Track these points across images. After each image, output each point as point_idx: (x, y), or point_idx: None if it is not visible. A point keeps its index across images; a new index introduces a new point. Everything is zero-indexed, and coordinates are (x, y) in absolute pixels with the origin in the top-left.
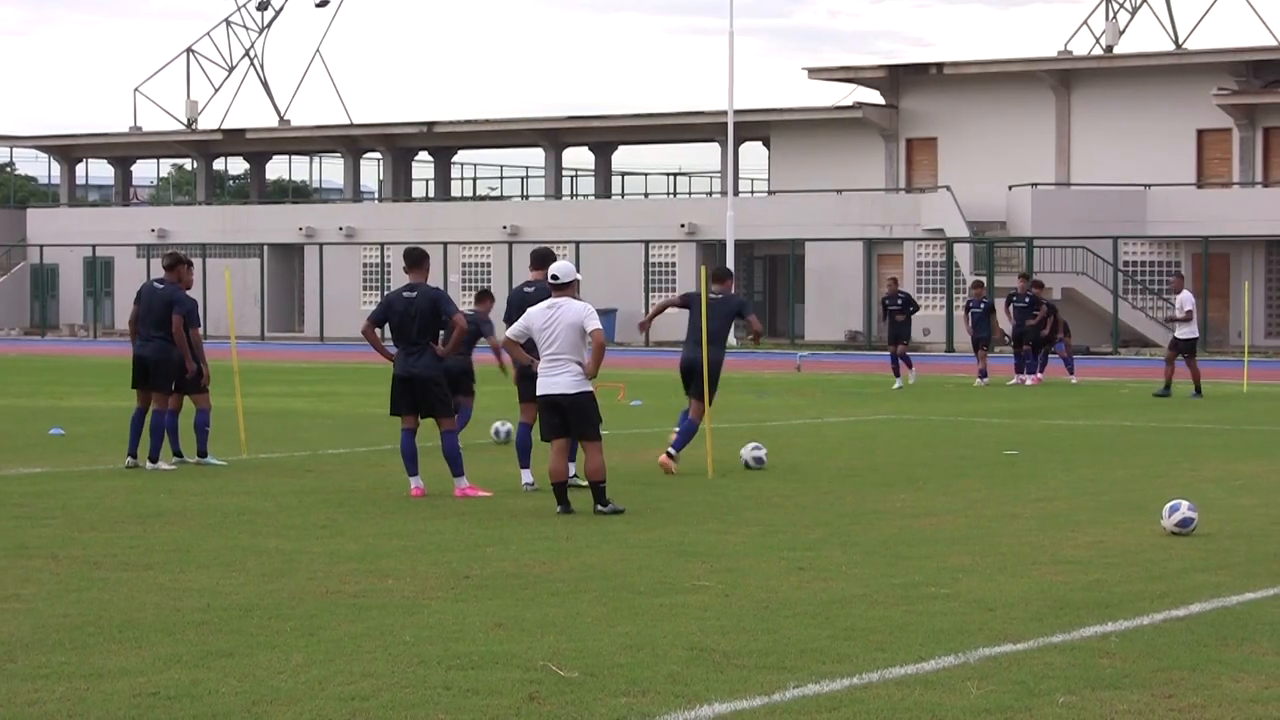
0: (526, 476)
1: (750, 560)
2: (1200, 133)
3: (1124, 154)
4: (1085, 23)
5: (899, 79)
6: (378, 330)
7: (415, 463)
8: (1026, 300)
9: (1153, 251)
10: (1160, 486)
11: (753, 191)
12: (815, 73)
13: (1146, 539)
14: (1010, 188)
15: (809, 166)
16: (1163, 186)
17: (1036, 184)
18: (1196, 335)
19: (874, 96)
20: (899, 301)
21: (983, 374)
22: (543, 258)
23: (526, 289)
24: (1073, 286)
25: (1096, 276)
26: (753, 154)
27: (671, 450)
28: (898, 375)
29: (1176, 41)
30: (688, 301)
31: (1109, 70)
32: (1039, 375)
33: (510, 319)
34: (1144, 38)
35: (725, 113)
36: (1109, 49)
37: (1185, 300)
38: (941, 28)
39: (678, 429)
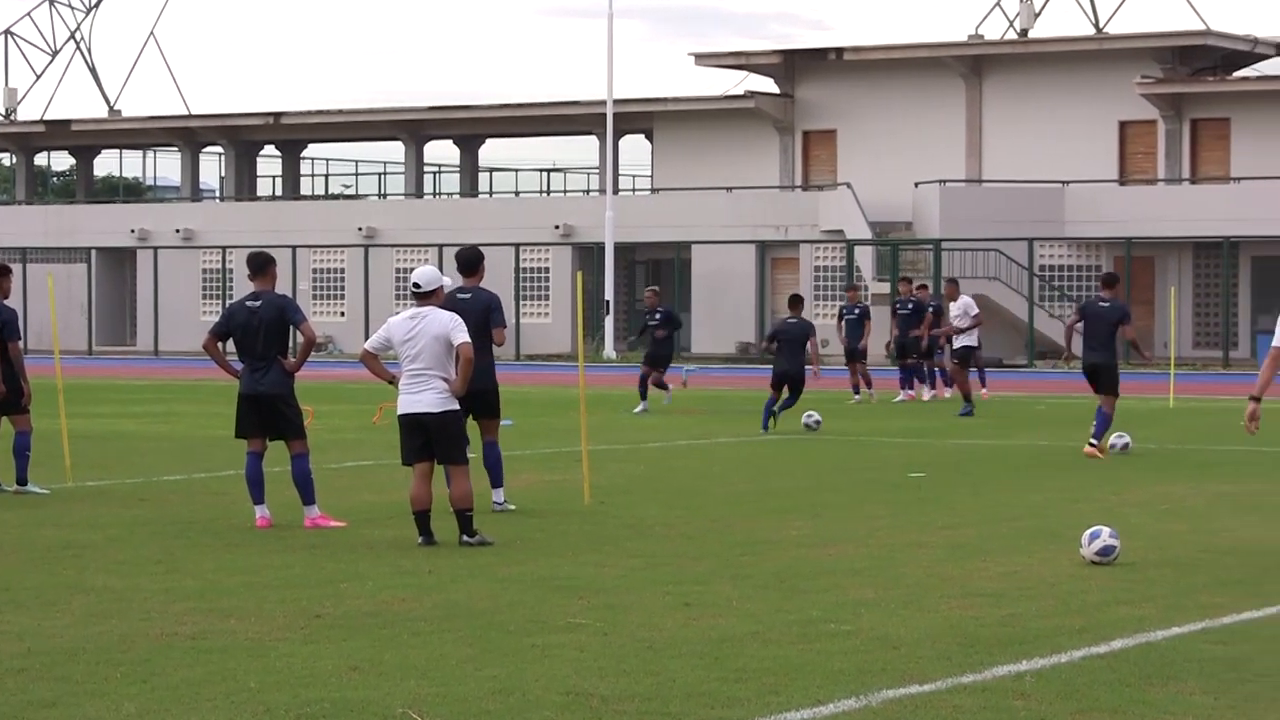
0: (498, 496)
1: (631, 595)
2: (1123, 125)
3: (1040, 148)
4: (998, 5)
5: (795, 66)
6: (220, 344)
7: (261, 490)
8: (910, 306)
9: (1071, 254)
10: (1079, 511)
11: (634, 189)
12: (703, 59)
13: (1064, 569)
14: (916, 185)
15: (696, 162)
16: (1082, 184)
17: (945, 181)
18: (976, 345)
19: (767, 85)
20: (856, 312)
21: (857, 389)
22: (473, 261)
23: (461, 295)
24: (984, 293)
25: (1010, 282)
26: (634, 148)
27: (1093, 440)
28: (856, 391)
29: (1097, 26)
30: (1083, 314)
31: (1024, 57)
32: (939, 388)
33: None
34: (1062, 22)
35: (604, 103)
36: (1024, 34)
37: (968, 305)
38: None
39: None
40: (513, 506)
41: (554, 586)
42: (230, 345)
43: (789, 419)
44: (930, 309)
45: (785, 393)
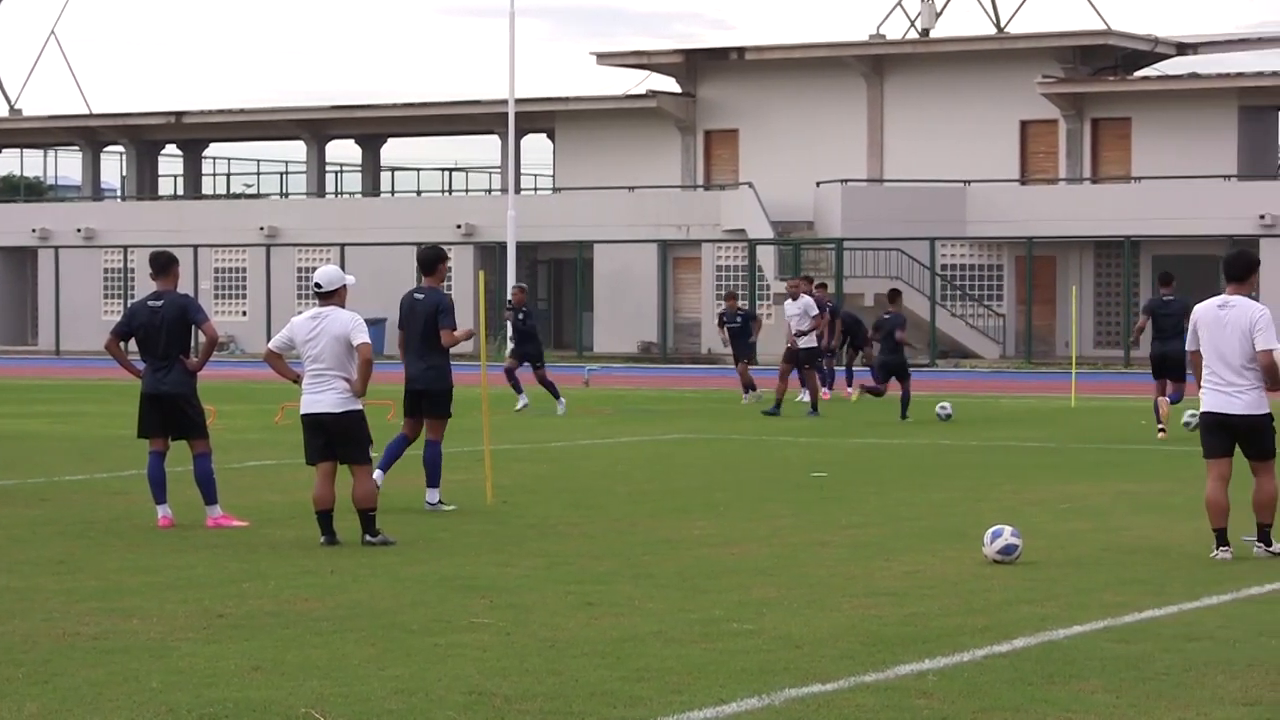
0: (432, 496)
1: (534, 595)
2: (1024, 124)
3: (942, 148)
4: (899, 4)
5: (697, 65)
6: (122, 343)
7: (163, 490)
8: (739, 319)
9: (973, 254)
10: (982, 511)
11: (536, 189)
12: (605, 58)
13: (967, 568)
14: (818, 185)
15: (598, 161)
16: (983, 183)
17: (847, 181)
18: (819, 346)
19: (669, 84)
20: (738, 320)
21: (749, 388)
22: (432, 261)
23: (417, 295)
24: (885, 292)
25: (912, 281)
26: (536, 147)
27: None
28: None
29: (998, 25)
30: (1150, 312)
31: (925, 56)
32: (850, 388)
33: (403, 327)
34: (963, 21)
35: (506, 102)
36: (925, 33)
37: (808, 306)
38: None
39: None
40: (447, 506)
41: (457, 586)
42: (133, 345)
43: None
44: (828, 309)
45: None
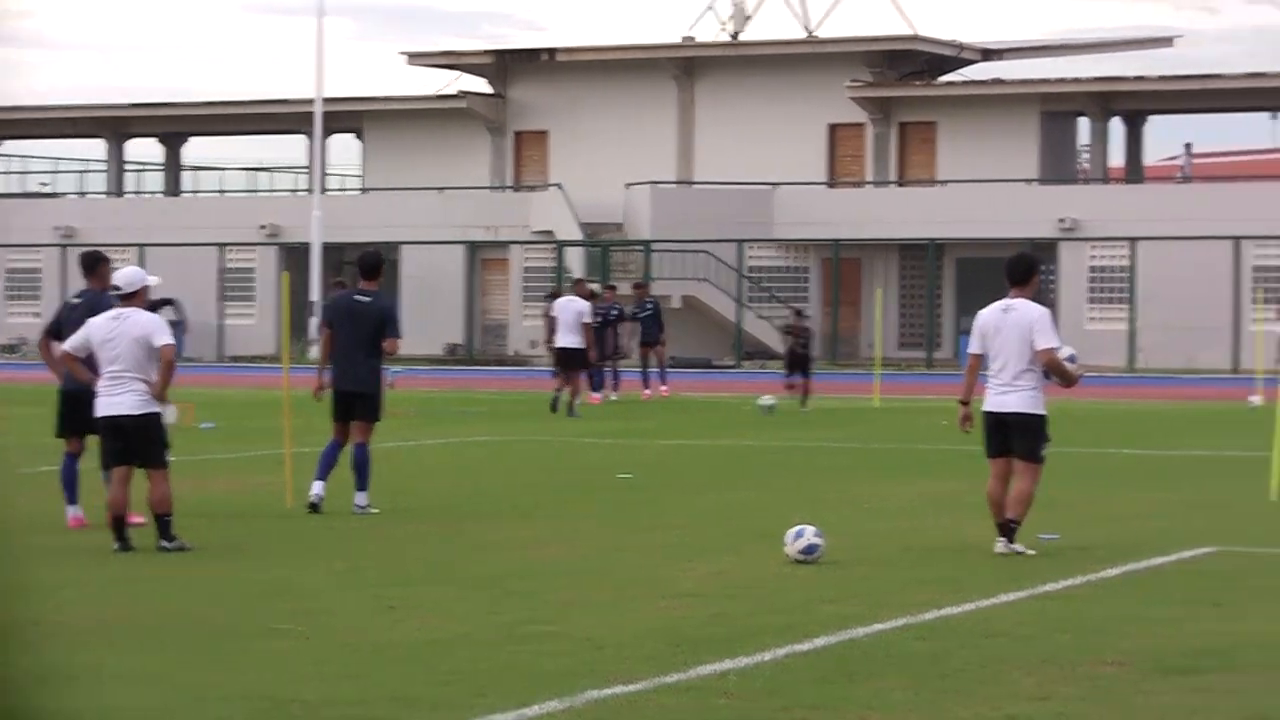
0: (361, 499)
1: (335, 599)
2: (832, 127)
3: (751, 150)
4: (711, 7)
5: (507, 66)
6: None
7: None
8: (649, 307)
9: (780, 256)
10: (785, 511)
11: (344, 189)
12: (415, 58)
13: (770, 568)
14: (628, 186)
15: (407, 162)
16: (791, 186)
17: (656, 182)
18: (584, 348)
19: (480, 85)
20: (649, 307)
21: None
22: (374, 265)
23: (359, 298)
24: (694, 294)
25: (719, 283)
26: (344, 147)
27: None
28: (597, 390)
29: (808, 29)
30: None
31: (735, 59)
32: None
33: (337, 328)
34: (774, 25)
35: (313, 101)
36: (735, 36)
37: (584, 310)
38: (556, 11)
39: None
40: (375, 510)
41: (256, 591)
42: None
43: None
44: (615, 312)
45: None
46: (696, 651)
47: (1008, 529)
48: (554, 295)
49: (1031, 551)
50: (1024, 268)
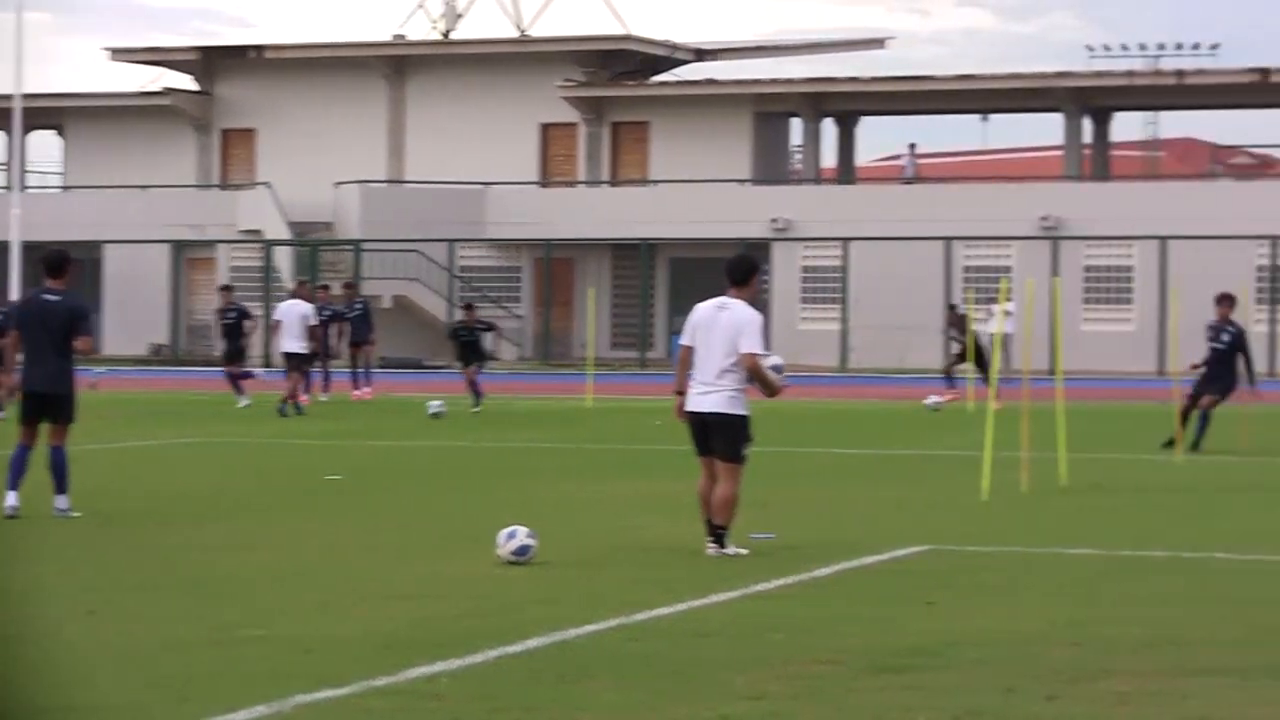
0: (61, 502)
1: (33, 605)
2: (545, 127)
3: (463, 150)
4: (421, 6)
5: (214, 63)
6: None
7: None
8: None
9: (492, 256)
10: (497, 512)
11: (44, 187)
12: (119, 54)
13: (482, 569)
14: (337, 185)
15: (110, 160)
16: (503, 185)
17: (366, 181)
18: (306, 351)
19: (186, 82)
20: (358, 308)
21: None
22: (59, 263)
23: (46, 297)
24: (405, 294)
25: (430, 283)
26: (45, 144)
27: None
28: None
29: (520, 28)
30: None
31: (447, 58)
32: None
33: (25, 329)
34: (486, 24)
35: (11, 97)
36: (446, 35)
37: (308, 313)
38: (265, 8)
39: None
40: (76, 514)
41: None
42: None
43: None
44: (328, 312)
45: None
46: (407, 654)
47: (717, 534)
48: (469, 306)
49: (744, 552)
50: (745, 269)
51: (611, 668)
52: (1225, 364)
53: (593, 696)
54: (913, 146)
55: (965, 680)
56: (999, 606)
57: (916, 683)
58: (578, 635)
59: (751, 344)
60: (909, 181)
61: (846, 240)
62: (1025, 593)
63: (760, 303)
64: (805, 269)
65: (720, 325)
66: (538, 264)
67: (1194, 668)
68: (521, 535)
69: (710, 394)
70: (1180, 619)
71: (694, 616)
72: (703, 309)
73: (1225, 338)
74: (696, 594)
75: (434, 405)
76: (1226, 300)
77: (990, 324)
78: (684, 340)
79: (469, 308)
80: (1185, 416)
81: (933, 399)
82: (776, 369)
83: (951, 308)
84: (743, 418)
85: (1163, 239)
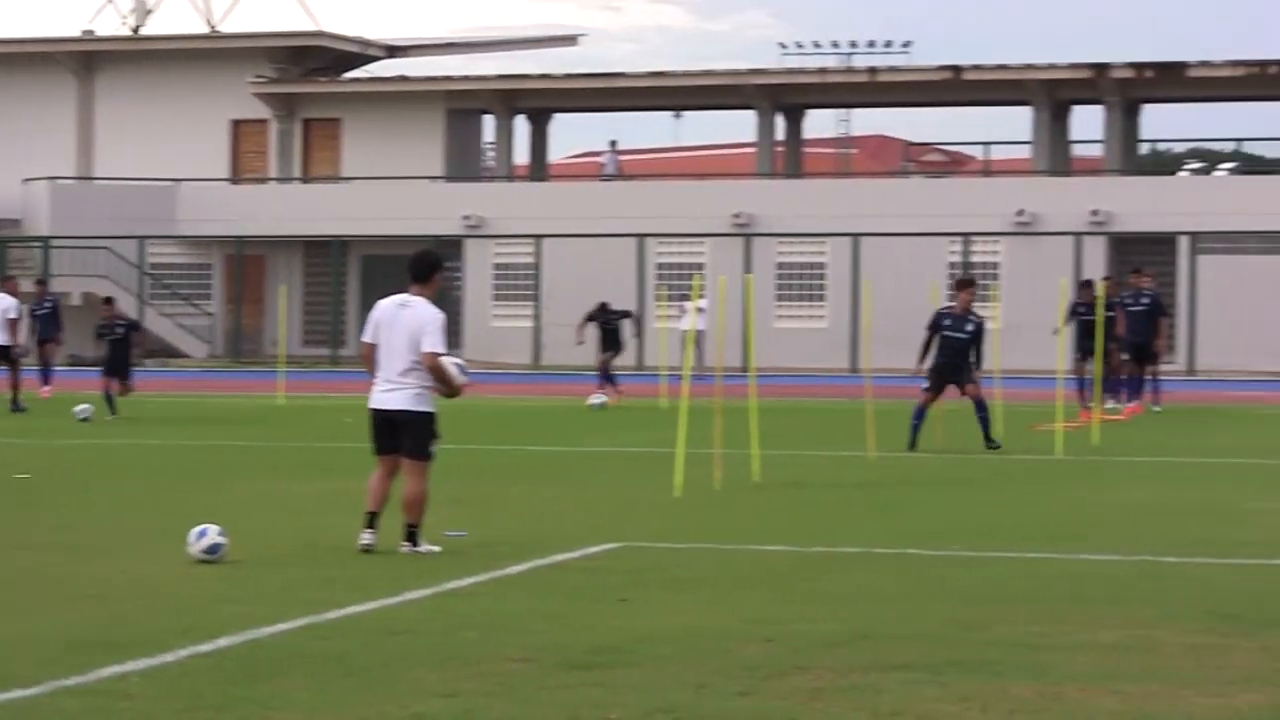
0: None
1: None
2: (236, 123)
3: (153, 146)
4: (111, 1)
5: None
6: None
7: None
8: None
9: (183, 253)
10: (187, 510)
11: None
12: None
13: (172, 568)
14: (25, 182)
15: None
16: (195, 182)
17: (55, 178)
18: (9, 344)
19: None
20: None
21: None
22: None
23: None
24: (95, 291)
25: (121, 280)
26: None
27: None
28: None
29: (211, 24)
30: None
31: (137, 54)
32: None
33: None
34: (176, 19)
35: None
36: (136, 30)
37: (8, 308)
38: None
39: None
40: None
41: None
42: None
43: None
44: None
45: None
46: (96, 654)
47: (409, 532)
48: (109, 301)
49: (437, 549)
50: (426, 265)
51: (304, 666)
52: (965, 355)
53: (285, 695)
54: (614, 144)
55: (657, 677)
56: (691, 603)
57: (609, 680)
58: (270, 634)
59: (434, 343)
60: (610, 179)
61: (539, 237)
62: (718, 589)
63: (452, 300)
64: (498, 266)
65: (402, 323)
66: (229, 261)
67: (887, 663)
68: (213, 534)
69: (395, 391)
70: (873, 614)
71: (386, 615)
72: (384, 306)
73: (969, 327)
74: (389, 592)
75: (80, 409)
76: (968, 287)
77: (684, 321)
78: (366, 338)
79: (108, 301)
80: (922, 414)
81: (596, 398)
82: (461, 370)
83: (603, 306)
84: (429, 415)
85: (855, 236)
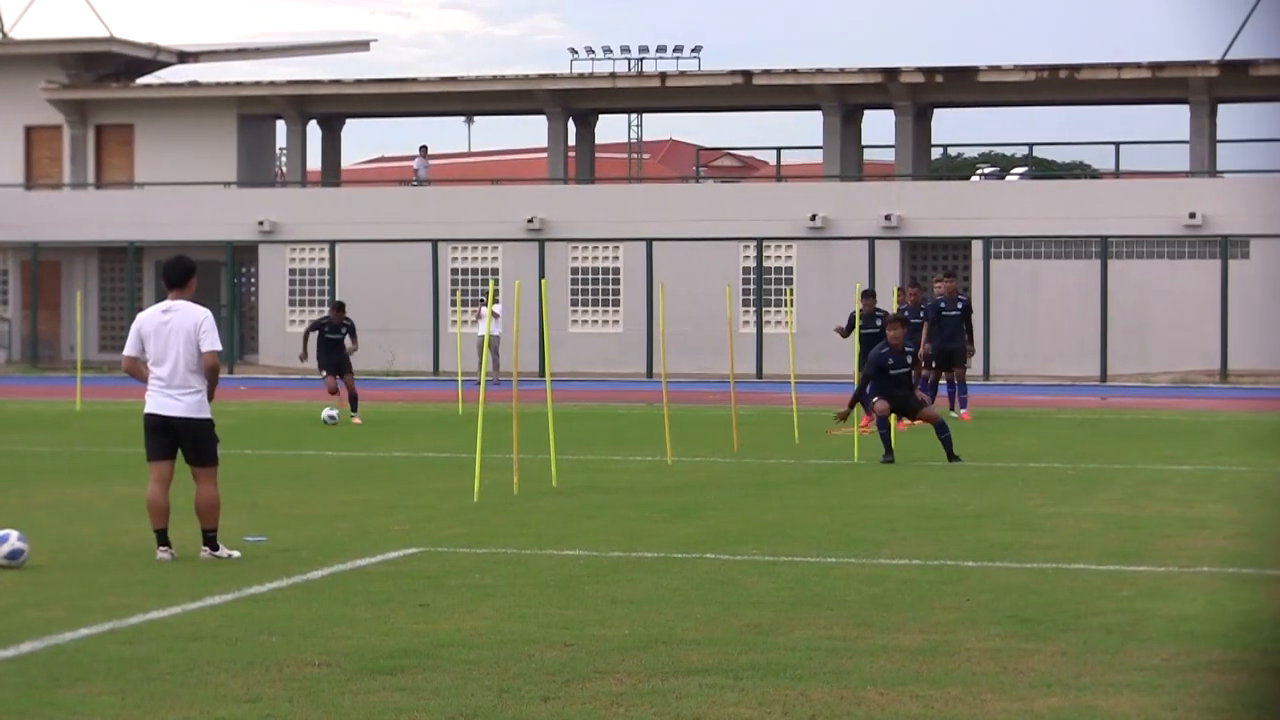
0: None
1: None
2: (29, 129)
3: None
4: None
5: None
6: None
7: None
8: None
9: None
10: None
11: None
12: None
13: None
14: None
15: None
16: None
17: None
18: None
19: None
20: None
21: None
22: None
23: None
24: None
25: None
26: None
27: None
28: None
29: (2, 31)
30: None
31: None
32: None
33: None
34: None
35: None
36: None
37: None
38: None
39: None
40: None
41: None
42: None
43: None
44: None
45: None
46: None
47: (207, 537)
48: None
49: (237, 554)
50: (182, 270)
51: (106, 672)
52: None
53: (88, 701)
54: (424, 149)
55: (459, 681)
56: (492, 608)
57: (410, 684)
58: (72, 639)
59: (212, 341)
60: (422, 184)
61: (333, 243)
62: (518, 594)
63: (248, 305)
64: (293, 271)
65: (172, 328)
66: (25, 266)
67: (687, 667)
68: (13, 539)
69: (179, 398)
70: (672, 619)
71: (188, 619)
72: (146, 317)
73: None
74: (190, 598)
75: None
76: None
77: (479, 326)
78: (130, 350)
79: None
80: (885, 422)
81: (329, 412)
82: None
83: (339, 306)
84: (210, 421)
85: (649, 241)
